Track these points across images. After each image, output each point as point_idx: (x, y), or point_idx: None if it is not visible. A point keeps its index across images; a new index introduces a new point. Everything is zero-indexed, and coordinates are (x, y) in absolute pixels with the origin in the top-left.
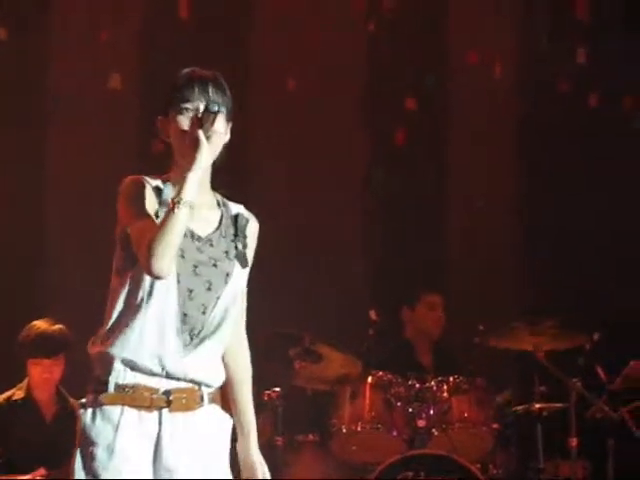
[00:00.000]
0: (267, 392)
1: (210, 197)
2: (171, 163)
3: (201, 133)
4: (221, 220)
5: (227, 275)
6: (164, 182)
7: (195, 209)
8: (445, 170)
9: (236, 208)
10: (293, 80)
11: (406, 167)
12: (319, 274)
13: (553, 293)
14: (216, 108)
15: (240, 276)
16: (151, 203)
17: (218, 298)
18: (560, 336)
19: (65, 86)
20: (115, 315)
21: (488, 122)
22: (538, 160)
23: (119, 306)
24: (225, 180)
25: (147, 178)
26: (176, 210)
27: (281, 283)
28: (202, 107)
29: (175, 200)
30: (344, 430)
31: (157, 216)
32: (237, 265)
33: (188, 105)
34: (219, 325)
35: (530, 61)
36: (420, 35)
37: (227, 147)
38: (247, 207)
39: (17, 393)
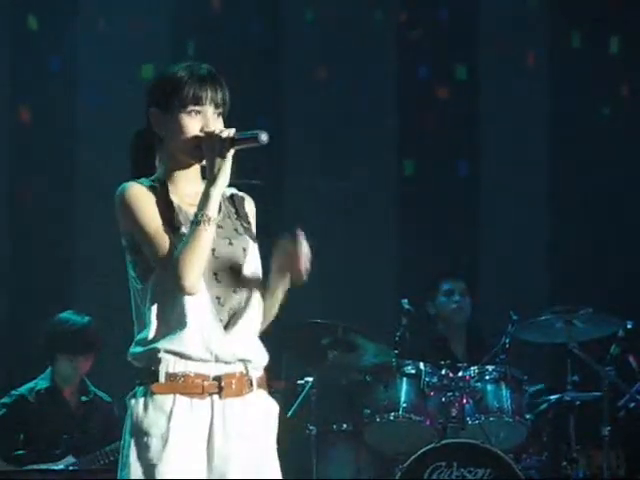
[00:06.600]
0: (300, 382)
1: (203, 184)
2: (161, 157)
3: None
4: (219, 203)
5: (244, 250)
6: (156, 181)
7: (195, 197)
8: (476, 157)
9: (228, 190)
10: (325, 68)
11: (437, 154)
12: (352, 263)
13: (586, 281)
14: (265, 139)
15: (255, 249)
16: (156, 209)
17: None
18: (593, 325)
19: (96, 76)
20: (153, 315)
21: (519, 107)
22: (571, 146)
23: (155, 306)
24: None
25: (142, 181)
26: (207, 227)
27: (313, 272)
28: (210, 111)
29: (201, 218)
30: (377, 419)
31: (163, 218)
32: (249, 239)
33: (198, 108)
34: (248, 300)
35: (561, 51)
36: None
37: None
38: (280, 197)
39: (41, 384)
